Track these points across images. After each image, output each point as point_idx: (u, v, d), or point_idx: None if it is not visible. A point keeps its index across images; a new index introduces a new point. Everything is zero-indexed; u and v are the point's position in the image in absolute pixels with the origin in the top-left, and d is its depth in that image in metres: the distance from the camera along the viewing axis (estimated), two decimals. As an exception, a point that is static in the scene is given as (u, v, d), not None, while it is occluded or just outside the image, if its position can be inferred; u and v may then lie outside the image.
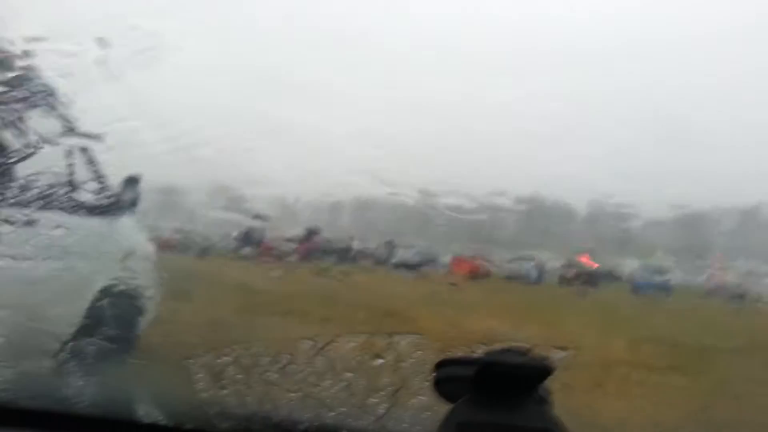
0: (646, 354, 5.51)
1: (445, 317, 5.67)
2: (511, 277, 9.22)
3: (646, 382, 4.69)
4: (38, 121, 3.22)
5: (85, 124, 3.11)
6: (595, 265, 8.78)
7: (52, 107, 3.17)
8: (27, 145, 3.14)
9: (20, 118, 3.12)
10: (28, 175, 3.41)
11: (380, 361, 1.86)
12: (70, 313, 3.41)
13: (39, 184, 3.46)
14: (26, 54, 2.96)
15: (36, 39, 2.81)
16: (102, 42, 2.72)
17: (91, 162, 3.82)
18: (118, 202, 4.30)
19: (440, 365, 1.38)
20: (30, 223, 3.43)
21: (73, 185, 3.72)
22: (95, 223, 4.06)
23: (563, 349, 1.55)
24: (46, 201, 3.49)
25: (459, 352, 1.60)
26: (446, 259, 9.00)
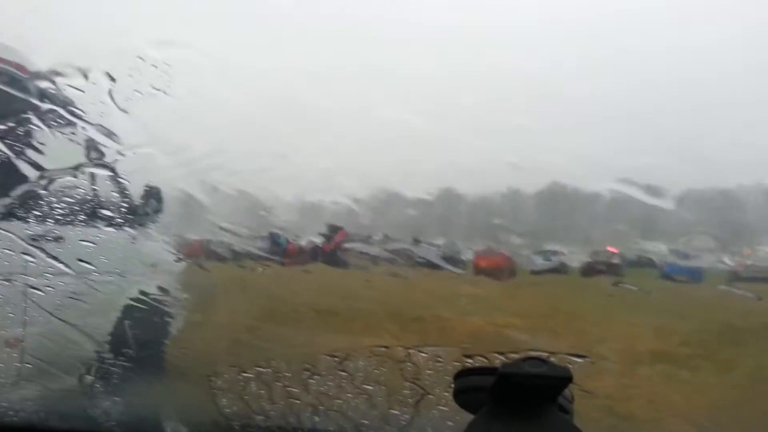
0: (676, 342, 5.43)
1: (472, 317, 5.65)
2: (536, 271, 9.13)
3: (676, 372, 4.62)
4: (61, 148, 3.30)
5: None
6: (616, 256, 8.65)
7: (73, 136, 3.24)
8: (49, 173, 3.21)
9: (34, 149, 3.19)
10: (52, 192, 3.47)
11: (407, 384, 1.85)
12: (96, 331, 3.46)
13: (63, 200, 3.52)
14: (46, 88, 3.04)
15: (51, 74, 2.90)
16: (111, 74, 2.79)
17: (114, 176, 3.88)
18: (142, 215, 4.36)
19: (459, 376, 1.38)
20: (55, 240, 3.49)
21: (97, 200, 3.78)
22: (119, 237, 4.12)
23: (582, 356, 1.53)
24: (70, 217, 3.55)
25: (478, 362, 1.59)
26: (469, 255, 8.94)
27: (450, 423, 1.64)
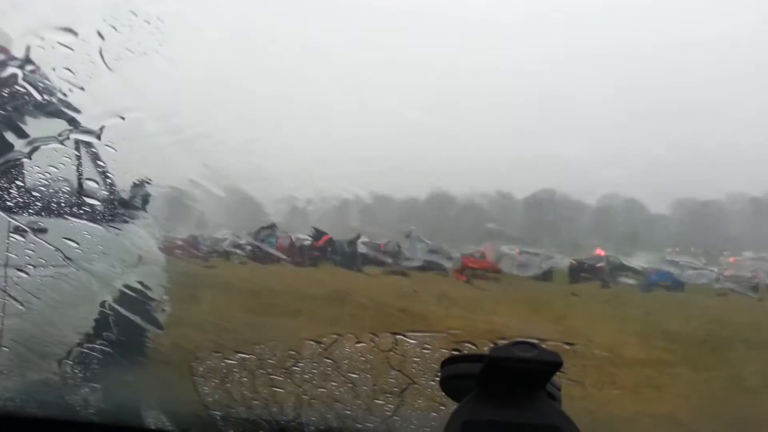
0: (658, 349, 5.45)
1: (457, 316, 5.63)
2: (522, 274, 9.13)
3: (659, 378, 4.62)
4: (39, 119, 3.20)
5: (87, 118, 3.07)
6: (603, 261, 8.68)
7: (53, 103, 3.15)
8: (28, 143, 3.12)
9: (20, 116, 3.11)
10: (36, 182, 3.41)
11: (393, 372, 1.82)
12: (77, 321, 3.41)
13: (47, 190, 3.46)
14: (26, 49, 2.93)
15: (35, 31, 2.78)
16: (101, 31, 2.69)
17: (97, 164, 3.81)
18: (127, 206, 4.31)
19: (446, 363, 1.36)
20: (39, 230, 3.43)
21: (81, 190, 3.72)
22: (104, 228, 4.06)
23: (571, 344, 1.51)
24: (54, 207, 3.49)
25: (465, 349, 1.56)
26: (456, 256, 8.95)
27: (434, 414, 1.61)
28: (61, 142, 3.08)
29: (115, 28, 2.73)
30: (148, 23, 2.77)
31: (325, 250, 8.07)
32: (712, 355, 5.43)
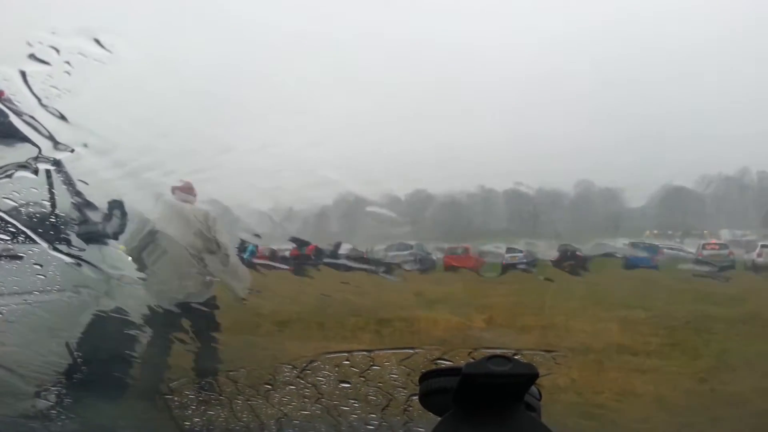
0: (642, 332, 5.48)
1: (442, 317, 5.62)
2: (504, 268, 9.16)
3: (645, 362, 4.66)
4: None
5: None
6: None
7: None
8: None
9: None
10: (10, 209, 3.33)
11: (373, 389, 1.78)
12: (57, 349, 3.33)
13: (21, 217, 3.39)
14: None
15: None
16: (29, 70, 2.62)
17: (72, 188, 3.73)
18: (104, 229, 4.23)
19: (424, 378, 1.34)
20: (14, 257, 3.35)
21: (55, 215, 3.64)
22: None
23: (549, 351, 1.50)
24: (29, 233, 3.41)
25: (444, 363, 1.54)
26: (439, 255, 8.96)
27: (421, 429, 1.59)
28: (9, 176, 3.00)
29: (43, 68, 2.64)
30: (78, 58, 2.70)
31: (307, 257, 7.98)
32: (692, 334, 5.48)
